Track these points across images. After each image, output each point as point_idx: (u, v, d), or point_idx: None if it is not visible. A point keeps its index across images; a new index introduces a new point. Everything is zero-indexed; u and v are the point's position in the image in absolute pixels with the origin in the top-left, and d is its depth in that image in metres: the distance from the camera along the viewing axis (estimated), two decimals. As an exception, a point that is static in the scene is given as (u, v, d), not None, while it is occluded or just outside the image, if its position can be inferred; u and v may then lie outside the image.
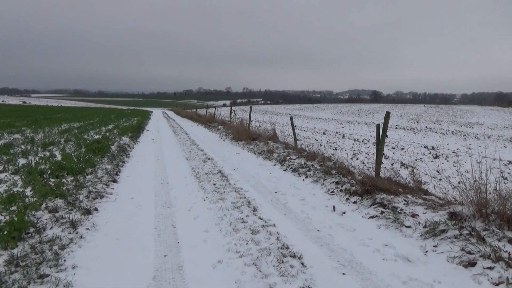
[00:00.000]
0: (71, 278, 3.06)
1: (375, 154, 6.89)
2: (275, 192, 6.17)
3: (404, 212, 4.68)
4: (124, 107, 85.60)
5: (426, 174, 6.76)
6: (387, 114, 6.16)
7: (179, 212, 5.03)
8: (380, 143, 6.13)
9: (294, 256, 3.61)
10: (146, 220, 4.68)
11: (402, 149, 12.68)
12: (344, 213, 5.09)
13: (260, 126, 17.33)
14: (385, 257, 3.67)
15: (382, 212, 4.84)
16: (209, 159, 9.41)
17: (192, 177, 7.21)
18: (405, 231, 4.26)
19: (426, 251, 3.74)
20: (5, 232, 3.62)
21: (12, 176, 6.16)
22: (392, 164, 8.54)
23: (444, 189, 5.16)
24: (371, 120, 35.21)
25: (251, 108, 16.50)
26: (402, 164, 8.93)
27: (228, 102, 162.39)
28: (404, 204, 4.92)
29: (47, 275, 3.06)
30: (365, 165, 8.44)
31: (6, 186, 5.50)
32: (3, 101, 72.10)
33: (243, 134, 13.33)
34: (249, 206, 5.26)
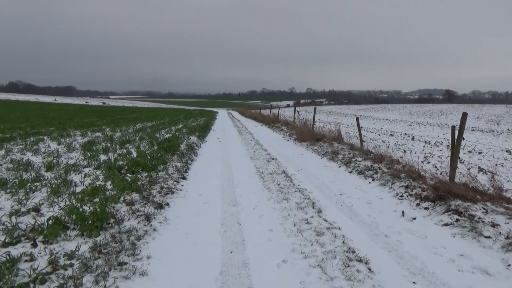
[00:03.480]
0: (146, 268, 3.29)
1: (449, 157, 6.47)
2: (340, 194, 6.06)
3: (483, 221, 4.33)
4: (191, 108, 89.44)
5: (508, 181, 6.19)
6: (464, 115, 5.75)
7: (244, 211, 5.15)
8: (455, 146, 5.73)
9: (360, 261, 3.53)
10: (213, 216, 4.86)
11: (479, 153, 11.73)
12: (414, 219, 4.84)
13: (324, 126, 17.09)
14: (461, 268, 3.44)
15: (457, 220, 4.53)
16: (273, 159, 9.50)
17: (257, 177, 7.33)
18: (484, 241, 3.95)
19: (509, 265, 3.44)
20: (90, 222, 3.99)
21: (95, 170, 6.74)
22: (469, 169, 7.93)
23: (530, 198, 4.69)
24: (444, 122, 32.99)
25: (315, 108, 16.33)
26: (480, 169, 8.26)
27: (291, 103, 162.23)
28: (482, 212, 4.56)
29: (126, 263, 3.32)
30: (437, 169, 7.93)
31: (90, 179, 6.04)
32: (86, 102, 79.01)
33: (307, 135, 13.24)
34: (313, 208, 5.23)
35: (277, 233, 4.27)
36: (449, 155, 6.00)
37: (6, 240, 3.55)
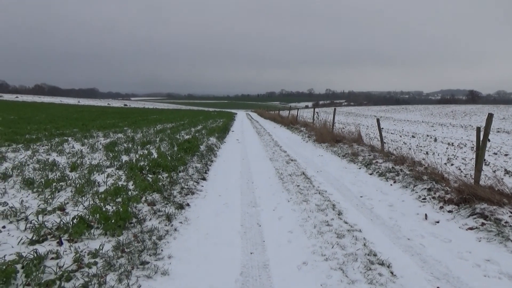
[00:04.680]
0: (168, 267, 3.33)
1: (473, 159, 6.30)
2: (361, 196, 5.98)
3: (510, 225, 4.21)
4: (211, 109, 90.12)
5: (537, 184, 5.97)
6: (489, 116, 5.59)
7: (264, 212, 5.15)
8: (480, 147, 5.58)
9: (382, 264, 3.47)
10: (233, 217, 4.88)
11: (506, 155, 11.37)
12: (438, 222, 4.74)
13: (343, 128, 16.91)
14: (487, 273, 3.34)
15: (482, 224, 4.41)
16: (292, 160, 9.47)
17: (276, 178, 7.32)
18: (511, 246, 3.83)
19: (538, 271, 3.32)
20: (113, 221, 4.06)
21: (117, 171, 6.88)
22: (494, 172, 7.71)
23: (561, 202, 4.52)
24: (467, 123, 32.14)
25: (335, 109, 16.20)
26: (507, 172, 8.00)
27: (310, 104, 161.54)
28: (509, 216, 4.42)
29: (148, 262, 3.37)
30: (461, 171, 7.73)
31: (113, 180, 6.16)
32: (108, 104, 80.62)
33: (326, 136, 13.15)
34: (333, 209, 5.18)
35: (297, 235, 4.25)
36: (474, 157, 5.85)
37: (34, 238, 3.65)
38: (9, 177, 5.99)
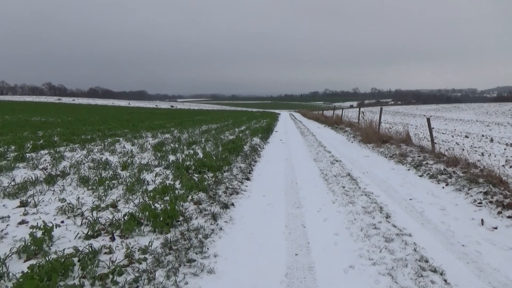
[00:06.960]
0: (213, 266, 3.37)
1: (537, 162, 5.83)
2: (410, 199, 5.74)
3: None
4: (254, 110, 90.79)
5: None
6: (556, 115, 5.15)
7: (309, 213, 5.09)
8: (545, 149, 5.15)
9: (435, 271, 3.30)
10: (277, 218, 4.86)
11: None
12: (496, 228, 4.43)
13: (390, 128, 16.34)
14: (553, 285, 3.07)
15: (548, 232, 4.07)
16: (337, 161, 9.29)
17: (321, 179, 7.21)
18: None
19: None
20: (161, 219, 4.20)
21: (165, 170, 7.11)
22: (561, 175, 7.09)
23: None
24: (528, 122, 29.86)
25: (381, 109, 15.72)
26: None
27: (355, 103, 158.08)
28: None
29: (194, 260, 3.44)
30: (522, 174, 7.20)
31: (161, 179, 6.37)
32: (156, 105, 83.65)
33: (372, 136, 12.78)
34: (381, 212, 5.01)
35: (343, 237, 4.16)
36: (537, 159, 5.41)
37: (89, 233, 3.86)
38: (67, 175, 6.39)
